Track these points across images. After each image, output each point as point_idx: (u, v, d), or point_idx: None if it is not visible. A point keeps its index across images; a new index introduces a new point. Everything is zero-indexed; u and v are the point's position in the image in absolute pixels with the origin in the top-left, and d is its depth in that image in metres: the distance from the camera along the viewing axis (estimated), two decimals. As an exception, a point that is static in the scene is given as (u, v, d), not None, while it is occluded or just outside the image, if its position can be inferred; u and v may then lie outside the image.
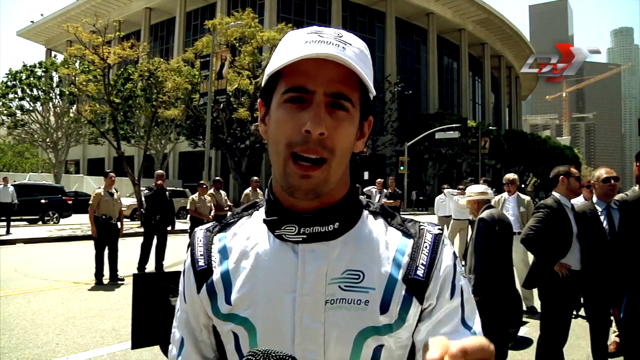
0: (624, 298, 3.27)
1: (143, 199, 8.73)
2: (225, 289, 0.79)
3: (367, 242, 0.80)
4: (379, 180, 11.63)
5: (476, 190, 4.13)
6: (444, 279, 0.79)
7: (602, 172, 3.79)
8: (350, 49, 0.74)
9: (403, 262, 0.79)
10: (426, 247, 0.80)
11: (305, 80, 0.73)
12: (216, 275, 0.81)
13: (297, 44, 0.74)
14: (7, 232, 14.21)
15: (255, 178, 10.27)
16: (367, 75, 0.75)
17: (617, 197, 3.76)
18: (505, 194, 6.73)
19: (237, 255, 0.81)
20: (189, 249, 0.87)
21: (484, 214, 3.88)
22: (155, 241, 8.72)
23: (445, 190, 10.95)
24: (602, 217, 3.70)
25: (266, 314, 0.76)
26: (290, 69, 0.73)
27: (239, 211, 0.89)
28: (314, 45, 0.73)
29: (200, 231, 0.88)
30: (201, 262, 0.83)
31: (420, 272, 0.78)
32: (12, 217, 14.81)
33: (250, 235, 0.82)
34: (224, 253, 0.82)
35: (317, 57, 0.71)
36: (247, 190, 10.05)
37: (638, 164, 3.60)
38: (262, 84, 0.82)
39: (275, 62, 0.75)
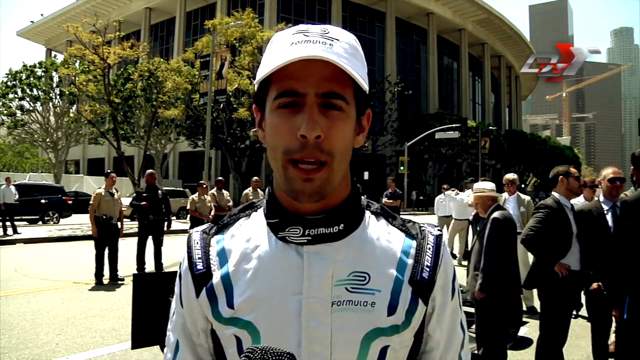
0: (626, 299, 3.27)
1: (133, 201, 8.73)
2: (227, 292, 0.78)
3: (372, 244, 0.80)
4: None
5: (488, 187, 4.11)
6: (446, 281, 0.82)
7: (609, 172, 3.81)
8: (338, 44, 0.73)
9: (408, 263, 0.79)
10: (429, 249, 0.81)
11: (294, 84, 0.72)
12: (216, 279, 0.79)
13: (283, 47, 0.73)
14: (15, 231, 14.27)
15: (256, 178, 10.25)
16: (358, 69, 0.74)
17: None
18: (505, 194, 6.72)
19: (237, 257, 0.80)
20: (186, 251, 0.85)
21: (497, 214, 3.85)
22: (151, 241, 8.70)
23: (446, 192, 10.97)
24: (608, 216, 3.69)
25: (270, 317, 0.75)
26: (279, 73, 0.72)
27: (236, 212, 0.88)
28: (299, 47, 0.71)
29: (196, 233, 0.86)
30: (199, 266, 0.81)
31: (425, 274, 0.79)
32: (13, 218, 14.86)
33: (250, 236, 0.81)
34: (223, 255, 0.81)
35: (302, 59, 0.70)
36: (247, 190, 10.04)
37: (633, 167, 3.61)
38: (255, 90, 0.81)
39: (264, 67, 0.74)
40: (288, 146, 0.72)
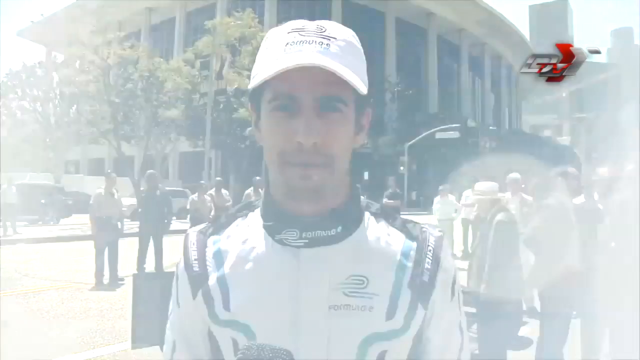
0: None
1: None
2: (223, 294, 0.77)
3: (370, 246, 0.78)
4: None
5: (490, 187, 4.06)
6: (446, 284, 0.80)
7: (604, 171, 3.81)
8: (335, 44, 0.71)
9: (407, 266, 0.78)
10: (430, 251, 0.79)
11: (290, 87, 0.70)
12: (212, 281, 0.78)
13: (278, 47, 0.71)
14: (14, 231, 14.30)
15: (258, 178, 10.23)
16: (356, 68, 0.72)
17: None
18: (508, 194, 6.70)
19: (233, 259, 0.78)
20: (183, 251, 0.84)
21: (502, 216, 3.78)
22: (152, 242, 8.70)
23: (446, 197, 11.15)
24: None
25: (267, 320, 0.74)
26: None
27: (233, 211, 0.86)
28: (295, 49, 0.69)
29: (193, 233, 0.85)
30: (195, 267, 0.80)
31: (425, 277, 0.77)
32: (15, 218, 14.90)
33: (246, 238, 0.80)
34: (219, 257, 0.80)
35: (298, 67, 0.67)
36: (249, 191, 10.00)
37: None
38: (250, 89, 0.78)
39: (258, 68, 0.73)
40: (285, 150, 0.71)
